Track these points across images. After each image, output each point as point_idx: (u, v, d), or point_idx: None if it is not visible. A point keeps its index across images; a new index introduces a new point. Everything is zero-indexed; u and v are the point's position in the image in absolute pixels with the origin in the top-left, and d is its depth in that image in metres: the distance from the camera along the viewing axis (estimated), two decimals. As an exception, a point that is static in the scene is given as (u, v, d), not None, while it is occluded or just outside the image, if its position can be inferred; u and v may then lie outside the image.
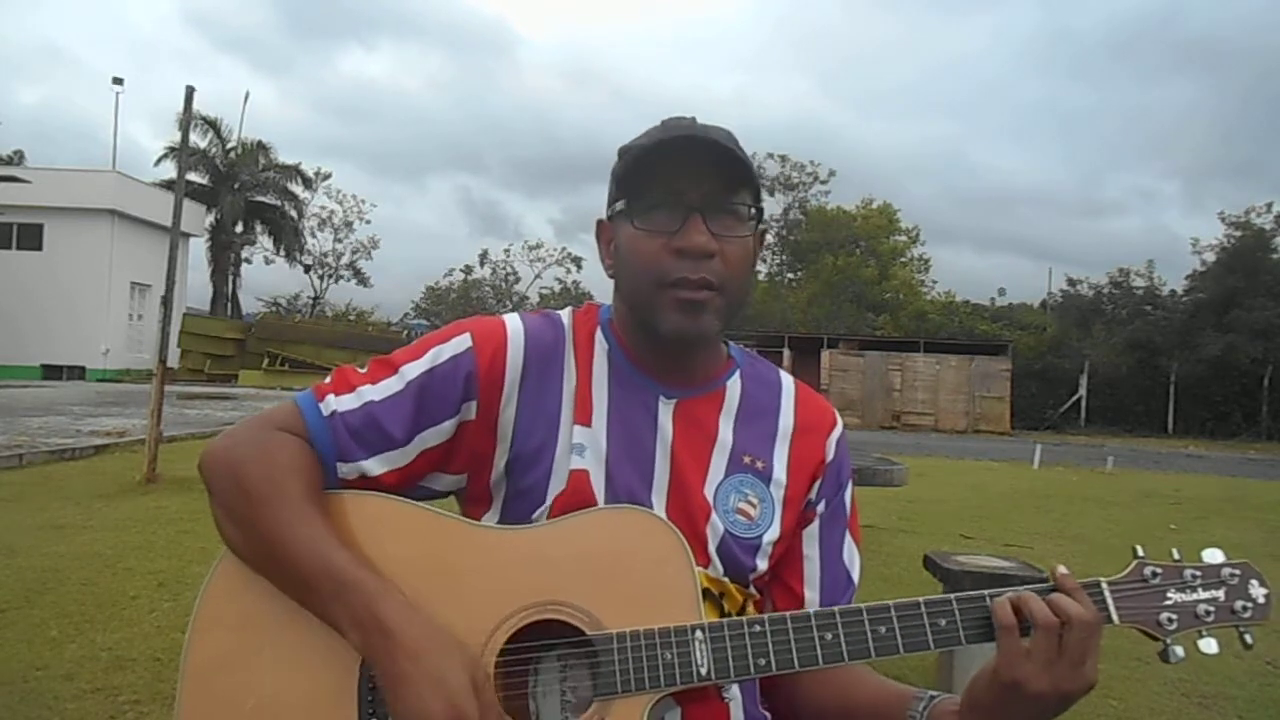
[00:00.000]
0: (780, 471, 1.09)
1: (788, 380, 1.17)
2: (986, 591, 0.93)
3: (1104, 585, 0.93)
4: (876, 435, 20.39)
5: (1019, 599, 0.90)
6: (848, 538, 1.15)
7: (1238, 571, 0.95)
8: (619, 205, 1.04)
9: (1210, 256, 27.76)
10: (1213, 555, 0.96)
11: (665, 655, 0.91)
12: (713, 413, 1.09)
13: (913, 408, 25.03)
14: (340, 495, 0.99)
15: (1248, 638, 0.93)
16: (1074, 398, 26.93)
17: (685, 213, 1.00)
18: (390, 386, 1.02)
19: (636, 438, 1.04)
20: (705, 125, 1.04)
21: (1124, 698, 3.30)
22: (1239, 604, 0.93)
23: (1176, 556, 0.96)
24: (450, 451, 1.03)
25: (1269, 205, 27.07)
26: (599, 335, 1.10)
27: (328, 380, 1.04)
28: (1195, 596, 0.94)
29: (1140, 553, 0.95)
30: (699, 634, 0.92)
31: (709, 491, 1.04)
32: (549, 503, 1.00)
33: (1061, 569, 0.92)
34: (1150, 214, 62.67)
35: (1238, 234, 27.17)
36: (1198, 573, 0.95)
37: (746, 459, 1.07)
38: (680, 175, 1.00)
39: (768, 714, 1.09)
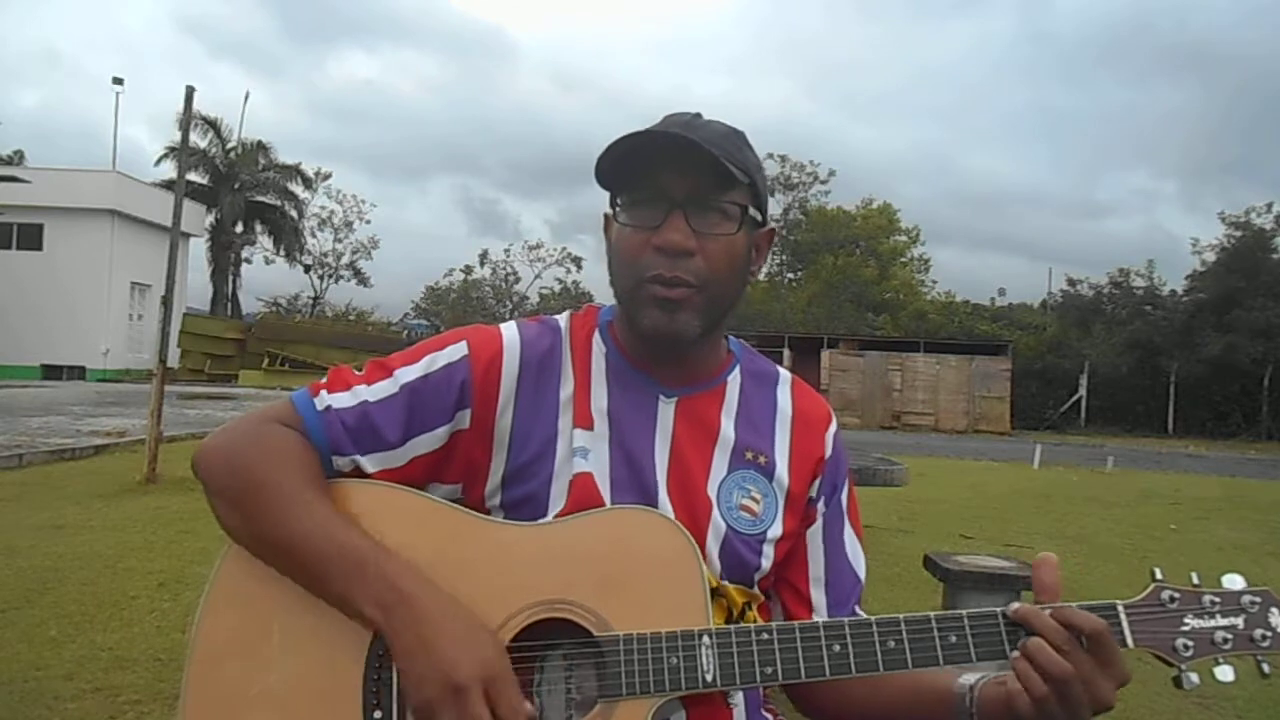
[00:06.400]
0: (782, 467, 1.08)
1: (784, 375, 1.16)
2: (999, 609, 0.92)
3: (1120, 609, 0.92)
4: (876, 435, 20.37)
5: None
6: (849, 534, 1.14)
7: (1258, 599, 0.93)
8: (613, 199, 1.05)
9: (1210, 256, 27.69)
10: (1233, 581, 0.94)
11: (671, 660, 0.91)
12: (714, 409, 1.08)
13: (913, 408, 25.01)
14: (343, 483, 0.99)
15: (1265, 666, 0.92)
16: (1074, 398, 26.90)
17: (668, 208, 0.99)
18: (385, 389, 1.01)
19: (638, 438, 1.04)
20: (707, 121, 1.04)
21: (1124, 698, 3.28)
22: (1258, 632, 0.92)
23: (1196, 581, 0.94)
24: (444, 460, 1.03)
25: (1269, 205, 27.02)
26: (596, 338, 1.10)
27: (324, 379, 1.04)
28: (1213, 623, 0.92)
29: (1159, 575, 0.94)
30: (706, 640, 0.92)
31: (711, 489, 1.04)
32: (551, 510, 1.00)
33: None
34: (1149, 214, 62.72)
35: (1238, 234, 27.09)
36: (1216, 599, 0.93)
37: (749, 454, 1.07)
38: (665, 170, 0.99)
39: (769, 718, 1.08)
